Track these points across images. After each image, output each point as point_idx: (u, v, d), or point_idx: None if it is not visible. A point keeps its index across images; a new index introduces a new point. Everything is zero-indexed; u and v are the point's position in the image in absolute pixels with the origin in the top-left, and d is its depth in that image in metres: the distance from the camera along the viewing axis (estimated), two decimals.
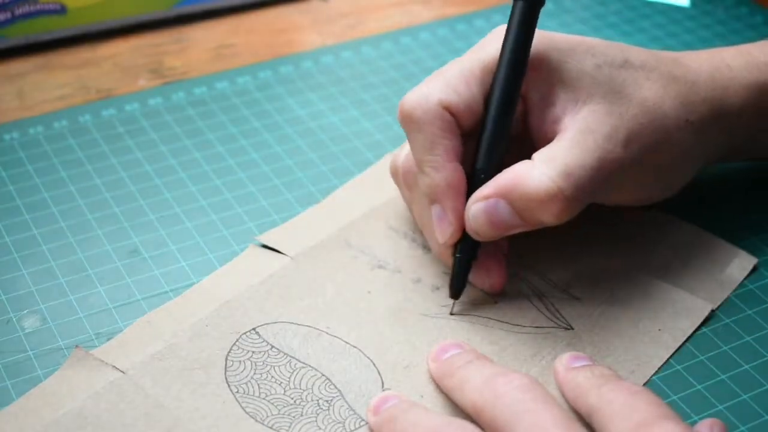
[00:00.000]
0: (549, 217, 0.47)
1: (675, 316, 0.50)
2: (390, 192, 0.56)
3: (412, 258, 0.53)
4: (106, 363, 0.46)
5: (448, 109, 0.48)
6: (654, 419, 0.41)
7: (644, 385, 0.47)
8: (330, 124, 0.63)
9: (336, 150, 0.60)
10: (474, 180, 0.49)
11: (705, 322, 0.50)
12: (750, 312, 0.51)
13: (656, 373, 0.48)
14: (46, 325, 0.49)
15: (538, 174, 0.46)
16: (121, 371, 0.46)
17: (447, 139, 0.48)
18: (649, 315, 0.50)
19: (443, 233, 0.49)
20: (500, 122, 0.49)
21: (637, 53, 0.51)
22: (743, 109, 0.52)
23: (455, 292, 0.50)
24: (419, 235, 0.54)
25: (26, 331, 0.49)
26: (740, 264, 0.53)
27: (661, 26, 0.73)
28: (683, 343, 0.49)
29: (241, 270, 0.52)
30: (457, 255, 0.49)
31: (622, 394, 0.42)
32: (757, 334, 0.50)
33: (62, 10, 0.67)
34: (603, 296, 0.51)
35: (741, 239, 0.54)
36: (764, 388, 0.47)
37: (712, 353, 0.49)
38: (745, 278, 0.52)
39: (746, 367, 0.48)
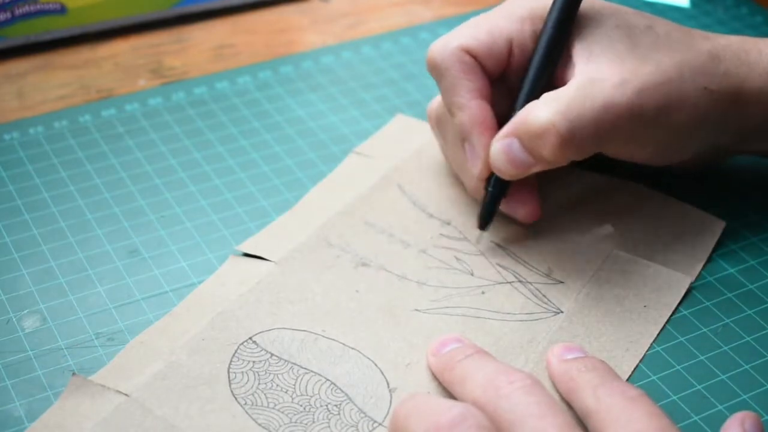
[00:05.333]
0: (548, 152, 0.49)
1: (657, 291, 0.51)
2: (361, 188, 0.56)
3: (392, 254, 0.53)
4: (108, 388, 0.45)
5: (469, 52, 0.52)
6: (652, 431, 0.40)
7: (638, 364, 0.48)
8: (330, 124, 0.63)
9: (336, 150, 0.60)
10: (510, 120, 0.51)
11: (704, 322, 0.50)
12: (750, 312, 0.51)
13: (656, 372, 0.48)
14: (46, 325, 0.49)
15: (537, 110, 0.49)
16: (125, 394, 0.45)
17: (469, 80, 0.52)
18: (632, 292, 0.51)
19: (474, 167, 0.52)
20: (541, 71, 0.51)
21: (664, 24, 0.53)
22: (763, 91, 0.52)
23: (483, 224, 0.53)
24: (396, 230, 0.54)
25: (26, 331, 0.49)
26: (711, 230, 0.54)
27: None
28: (669, 320, 0.50)
29: (227, 280, 0.51)
30: (489, 189, 0.52)
31: (619, 400, 0.42)
32: (757, 334, 0.50)
33: (62, 10, 0.67)
34: (584, 278, 0.52)
35: (742, 239, 0.55)
36: (764, 388, 0.47)
37: (712, 353, 0.49)
38: (745, 279, 0.53)
39: (746, 367, 0.48)
